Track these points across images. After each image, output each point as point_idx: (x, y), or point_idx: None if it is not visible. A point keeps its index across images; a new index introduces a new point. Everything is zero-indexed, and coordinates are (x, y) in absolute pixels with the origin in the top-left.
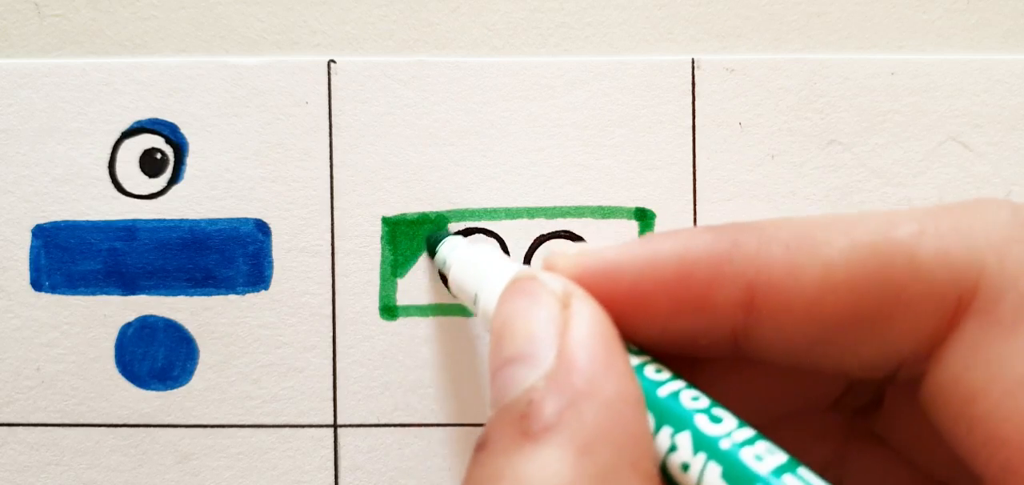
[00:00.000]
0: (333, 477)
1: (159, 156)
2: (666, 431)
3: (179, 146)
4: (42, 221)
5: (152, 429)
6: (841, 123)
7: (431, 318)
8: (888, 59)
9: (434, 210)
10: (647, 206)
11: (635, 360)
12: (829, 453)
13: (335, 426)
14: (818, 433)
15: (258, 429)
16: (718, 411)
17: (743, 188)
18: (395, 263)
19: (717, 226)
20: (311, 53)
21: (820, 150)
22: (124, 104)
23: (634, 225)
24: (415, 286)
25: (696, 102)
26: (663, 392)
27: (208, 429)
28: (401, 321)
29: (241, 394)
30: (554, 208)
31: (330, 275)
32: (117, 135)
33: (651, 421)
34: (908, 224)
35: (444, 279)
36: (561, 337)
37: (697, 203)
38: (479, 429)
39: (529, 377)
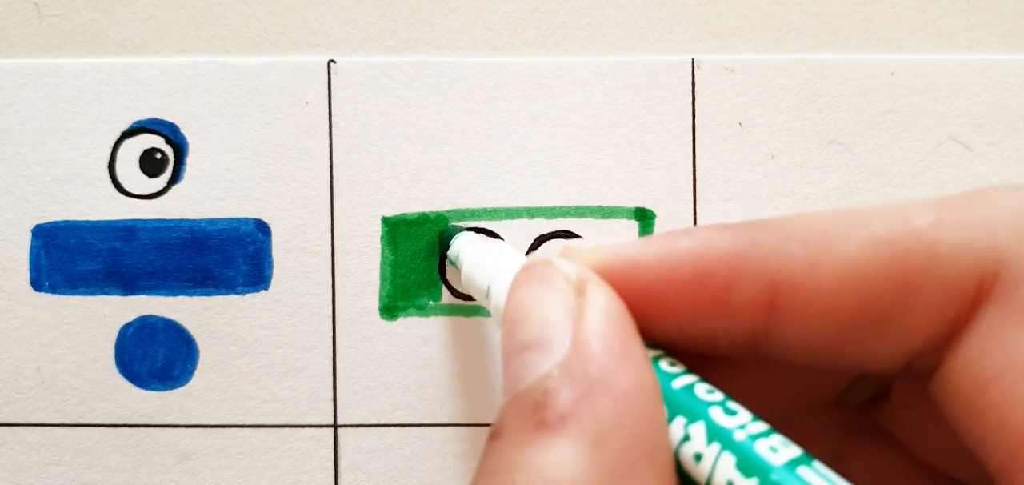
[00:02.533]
0: (333, 477)
1: (159, 156)
2: (679, 421)
3: (179, 146)
4: (42, 221)
5: (152, 429)
6: (841, 123)
7: (431, 318)
8: (888, 59)
9: (434, 210)
10: (647, 206)
11: (650, 353)
12: (827, 451)
13: (335, 426)
14: (817, 431)
15: (258, 429)
16: (732, 404)
17: (743, 188)
18: (395, 263)
19: (735, 225)
20: (311, 53)
21: (820, 150)
22: (124, 104)
23: (634, 225)
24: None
25: (696, 102)
26: (677, 384)
27: (208, 429)
28: (401, 321)
29: (241, 394)
30: (554, 208)
31: (330, 275)
32: (117, 135)
33: (666, 412)
34: (926, 214)
35: (444, 279)
36: (576, 324)
37: (697, 203)
38: (479, 429)
39: (543, 364)
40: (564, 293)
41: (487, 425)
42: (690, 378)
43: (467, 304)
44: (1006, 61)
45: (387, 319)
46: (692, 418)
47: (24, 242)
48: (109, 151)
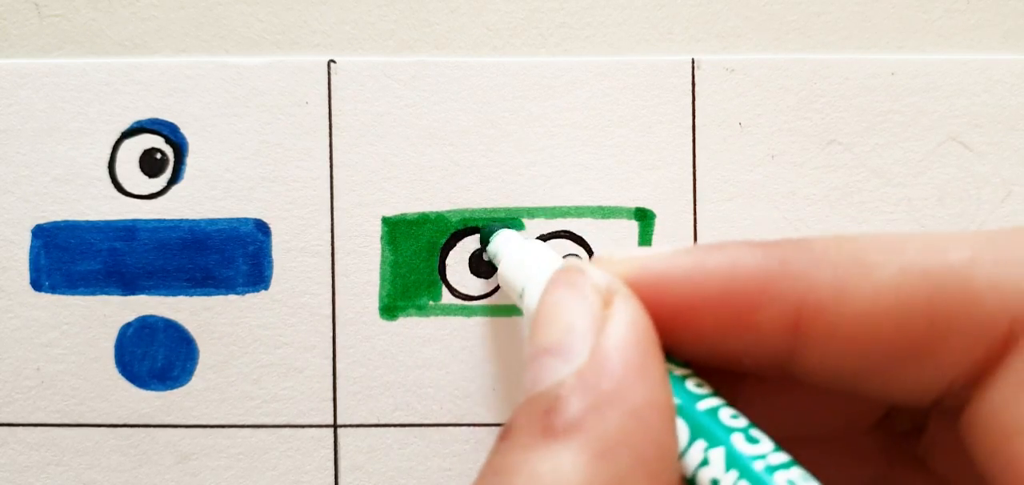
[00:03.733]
0: (333, 477)
1: (159, 156)
2: (700, 445)
3: (179, 146)
4: (42, 221)
5: (152, 429)
6: (841, 123)
7: (431, 318)
8: (888, 59)
9: (434, 210)
10: (647, 206)
11: (677, 372)
12: (870, 475)
13: (335, 426)
14: (860, 454)
15: (258, 429)
16: (756, 433)
17: (743, 188)
18: (395, 263)
19: (766, 243)
20: (311, 53)
21: (820, 150)
22: (124, 104)
23: (634, 225)
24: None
25: (696, 102)
26: (702, 406)
27: (208, 429)
28: (401, 321)
29: (241, 394)
30: (554, 208)
31: (330, 275)
32: (117, 135)
33: (685, 433)
34: (961, 249)
35: (444, 279)
36: (598, 335)
37: (697, 203)
38: (479, 429)
39: (560, 371)
40: (591, 302)
41: (487, 425)
42: (715, 401)
43: (467, 304)
44: (1006, 61)
45: (387, 319)
46: (713, 443)
47: (24, 242)
48: (109, 151)
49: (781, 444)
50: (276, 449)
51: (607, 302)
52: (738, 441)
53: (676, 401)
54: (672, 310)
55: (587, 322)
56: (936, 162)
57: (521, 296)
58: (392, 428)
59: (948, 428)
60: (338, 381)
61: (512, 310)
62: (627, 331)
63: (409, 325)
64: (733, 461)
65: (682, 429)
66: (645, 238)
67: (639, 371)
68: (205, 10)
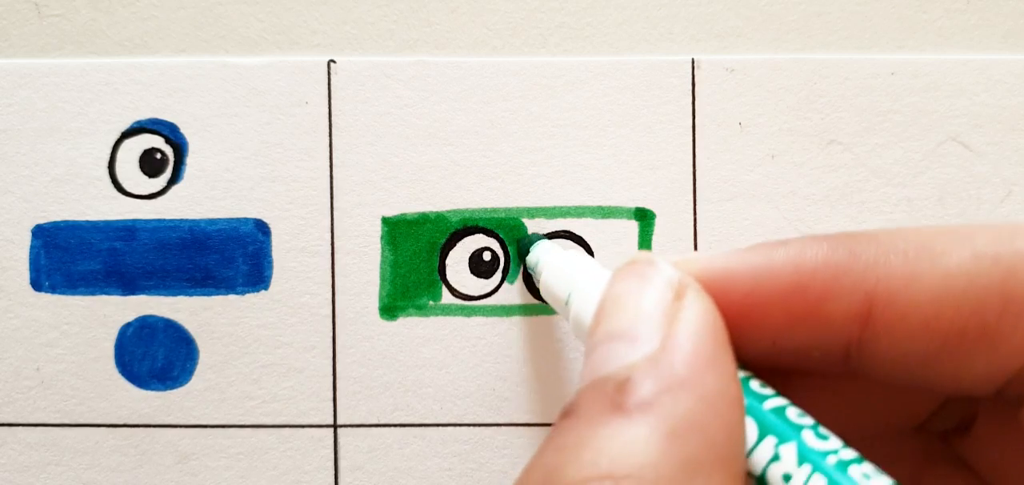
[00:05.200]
0: (333, 477)
1: (159, 156)
2: (770, 441)
3: (179, 146)
4: (42, 221)
5: (152, 429)
6: (841, 123)
7: (431, 318)
8: (888, 59)
9: (434, 210)
10: (647, 206)
11: (742, 374)
12: (905, 475)
13: (335, 426)
14: (896, 455)
15: (258, 429)
16: (824, 430)
17: (743, 188)
18: (395, 263)
19: (832, 235)
20: (311, 53)
21: (820, 150)
22: (124, 104)
23: (634, 225)
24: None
25: (696, 102)
26: (768, 405)
27: (208, 429)
28: (401, 321)
29: (241, 394)
30: (554, 208)
31: (330, 275)
32: (117, 135)
33: (753, 431)
34: None
35: (444, 279)
36: (669, 325)
37: (697, 203)
38: (479, 429)
39: (630, 355)
40: (662, 293)
41: (487, 425)
42: (781, 401)
43: (467, 304)
44: (1006, 61)
45: (387, 319)
46: (783, 439)
47: (24, 242)
48: (109, 151)
49: None
50: (276, 449)
51: (679, 295)
52: (809, 437)
53: (745, 401)
54: (739, 307)
55: (658, 312)
56: (936, 162)
57: (568, 303)
58: (392, 428)
59: (999, 422)
60: (338, 381)
61: (513, 310)
62: (699, 323)
63: (409, 325)
64: (805, 456)
65: (750, 427)
66: (645, 238)
67: (710, 361)
68: (205, 10)
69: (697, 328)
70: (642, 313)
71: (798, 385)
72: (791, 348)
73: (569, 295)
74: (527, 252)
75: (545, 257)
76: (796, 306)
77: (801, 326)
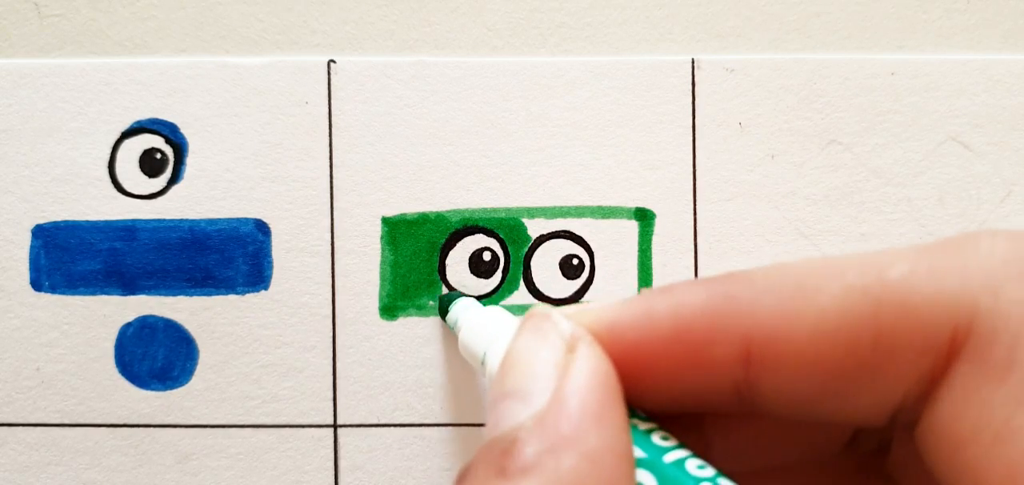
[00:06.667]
0: (333, 477)
1: (159, 156)
2: None
3: (179, 146)
4: (42, 221)
5: (152, 429)
6: (841, 123)
7: (431, 318)
8: (888, 59)
9: (434, 210)
10: (647, 206)
11: (643, 426)
12: None
13: (335, 426)
14: (833, 476)
15: (258, 429)
16: (724, 482)
17: (743, 188)
18: (395, 263)
19: (711, 279)
20: (311, 53)
21: (820, 150)
22: (124, 104)
23: (634, 225)
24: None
25: (696, 102)
26: (669, 458)
27: (208, 429)
28: (401, 321)
29: (241, 394)
30: (554, 208)
31: (330, 275)
32: (117, 135)
33: (653, 484)
34: (901, 264)
35: (444, 279)
36: (559, 380)
37: (697, 203)
38: (479, 429)
39: (520, 414)
40: (555, 347)
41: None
42: (682, 453)
43: None
44: (1006, 61)
45: (387, 319)
46: None
47: (24, 242)
48: (109, 151)
49: (755, 476)
50: (276, 449)
51: (571, 348)
52: None
53: (643, 454)
54: (629, 359)
55: (549, 367)
56: (936, 162)
57: (483, 362)
58: (392, 428)
59: (910, 443)
60: (338, 381)
61: (513, 310)
62: (588, 377)
63: (409, 325)
64: None
65: (649, 481)
66: (645, 238)
67: (597, 417)
68: (205, 10)
69: (584, 382)
70: (534, 370)
71: (718, 425)
72: (685, 394)
73: (484, 354)
74: (446, 310)
75: (463, 315)
76: (679, 353)
77: (688, 373)
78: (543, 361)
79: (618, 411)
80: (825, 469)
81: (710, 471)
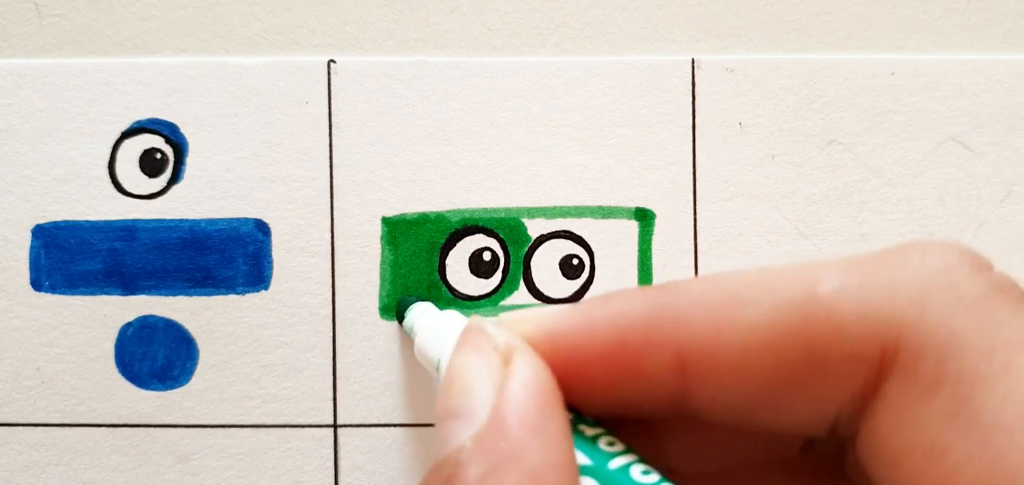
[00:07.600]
0: (333, 477)
1: (159, 156)
2: None
3: (179, 146)
4: (42, 221)
5: (152, 429)
6: (841, 123)
7: None
8: (888, 59)
9: (434, 210)
10: (647, 206)
11: (589, 432)
12: None
13: (335, 426)
14: (791, 478)
15: (258, 429)
16: None
17: (743, 188)
18: (395, 263)
19: (650, 289)
20: (311, 53)
21: (820, 150)
22: (124, 104)
23: (634, 225)
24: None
25: (696, 102)
26: (614, 465)
27: (208, 429)
28: None
29: (241, 394)
30: (554, 208)
31: (330, 275)
32: (117, 135)
33: None
34: (831, 279)
35: (445, 278)
36: (497, 395)
37: (697, 203)
38: None
39: (462, 434)
40: (491, 362)
41: None
42: (627, 458)
43: (467, 304)
44: (1006, 61)
45: (387, 319)
46: None
47: (24, 242)
48: (109, 151)
49: (712, 478)
50: (276, 449)
51: (507, 360)
52: None
53: (588, 461)
54: (569, 366)
55: (487, 383)
56: (936, 162)
57: (438, 368)
58: (392, 428)
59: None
60: (338, 381)
61: (513, 310)
62: (525, 389)
63: None
64: None
65: None
66: (645, 238)
67: (536, 429)
68: (205, 10)
69: (521, 395)
70: (471, 386)
71: (671, 428)
72: (625, 401)
73: (439, 361)
74: (403, 316)
75: (419, 321)
76: (617, 362)
77: (626, 381)
78: (480, 377)
79: (558, 420)
80: (783, 470)
81: (655, 476)
